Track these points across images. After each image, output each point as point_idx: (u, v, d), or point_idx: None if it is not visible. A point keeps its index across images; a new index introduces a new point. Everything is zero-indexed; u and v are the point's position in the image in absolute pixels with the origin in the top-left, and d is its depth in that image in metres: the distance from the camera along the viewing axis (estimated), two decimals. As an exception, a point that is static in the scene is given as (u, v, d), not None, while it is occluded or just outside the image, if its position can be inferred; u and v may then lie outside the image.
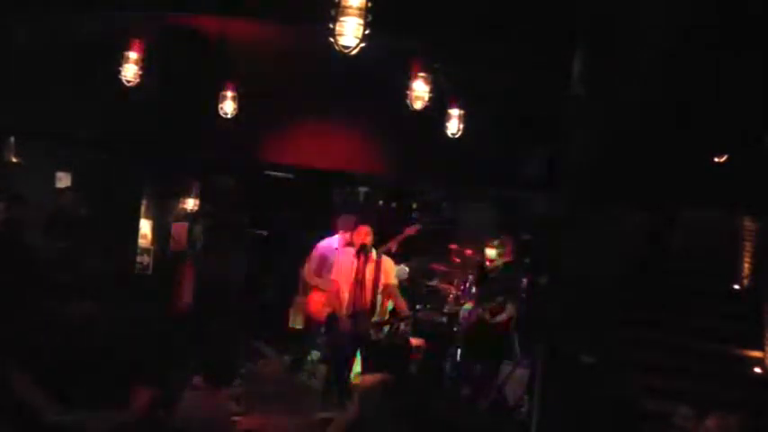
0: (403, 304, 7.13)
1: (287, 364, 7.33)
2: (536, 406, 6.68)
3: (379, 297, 6.90)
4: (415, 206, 10.28)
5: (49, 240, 7.82)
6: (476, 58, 6.00)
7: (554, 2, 5.36)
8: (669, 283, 8.10)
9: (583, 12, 5.40)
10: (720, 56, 5.78)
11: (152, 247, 8.75)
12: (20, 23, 6.14)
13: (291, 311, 8.87)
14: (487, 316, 7.58)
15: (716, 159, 8.03)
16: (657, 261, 8.37)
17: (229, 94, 6.24)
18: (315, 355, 8.04)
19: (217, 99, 6.25)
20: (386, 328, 6.97)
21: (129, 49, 5.65)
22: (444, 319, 8.66)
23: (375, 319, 6.87)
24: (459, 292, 8.89)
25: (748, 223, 8.39)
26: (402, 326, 7.55)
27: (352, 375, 7.00)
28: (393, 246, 8.12)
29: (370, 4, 3.75)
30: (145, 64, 5.68)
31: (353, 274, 6.78)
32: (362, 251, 6.81)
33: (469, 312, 7.93)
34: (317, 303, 7.76)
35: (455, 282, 9.10)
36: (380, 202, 10.53)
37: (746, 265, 8.36)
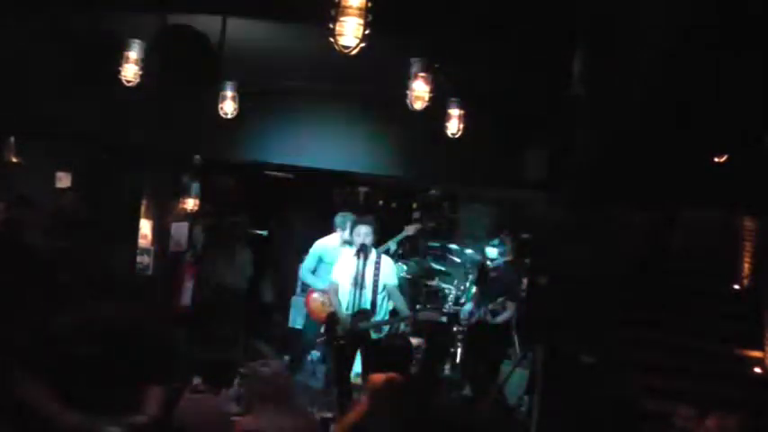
0: (403, 304, 7.13)
1: (287, 364, 7.34)
2: (536, 406, 6.69)
3: (379, 297, 6.90)
4: (415, 206, 10.28)
5: (49, 240, 7.82)
6: (476, 58, 5.99)
7: (554, 2, 5.35)
8: (669, 283, 8.10)
9: (583, 12, 5.39)
10: (720, 56, 5.78)
11: (152, 247, 8.74)
12: (20, 23, 6.13)
13: (291, 311, 8.89)
14: (489, 318, 7.58)
15: (716, 159, 8.03)
16: (657, 261, 8.38)
17: (229, 94, 6.24)
18: (315, 355, 8.05)
19: (217, 99, 6.24)
20: (386, 328, 6.97)
21: (129, 49, 5.64)
22: (444, 319, 8.67)
23: (375, 318, 6.87)
24: (459, 292, 8.90)
25: (748, 223, 8.39)
26: (402, 326, 7.56)
27: (352, 375, 7.00)
28: (392, 245, 8.15)
29: (370, 4, 3.74)
30: (145, 64, 5.67)
31: (353, 274, 6.79)
32: (362, 251, 6.81)
33: (470, 313, 7.94)
34: (315, 302, 7.77)
35: (455, 282, 9.12)
36: (380, 202, 10.54)
37: (746, 265, 8.36)
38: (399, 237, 8.41)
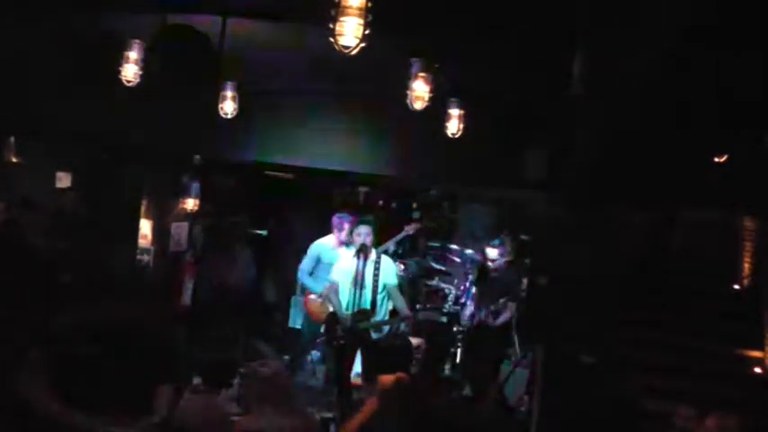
0: (403, 304, 7.13)
1: (287, 364, 7.34)
2: (536, 406, 6.69)
3: (379, 297, 6.90)
4: (415, 206, 10.28)
5: (49, 240, 7.83)
6: (476, 58, 6.00)
7: (554, 2, 5.35)
8: (669, 283, 8.10)
9: (583, 12, 5.39)
10: (720, 56, 5.78)
11: (152, 247, 8.75)
12: (20, 23, 6.13)
13: (291, 311, 8.89)
14: (490, 320, 7.57)
15: (716, 159, 8.04)
16: (657, 261, 8.38)
17: (229, 94, 6.24)
18: (315, 355, 8.05)
19: (217, 99, 6.24)
20: (386, 328, 6.97)
21: (129, 49, 5.64)
22: (444, 319, 8.67)
23: (375, 318, 6.88)
24: (459, 292, 8.90)
25: (748, 223, 8.39)
26: (402, 326, 7.56)
27: (352, 375, 7.00)
28: (392, 245, 8.15)
29: (370, 4, 3.74)
30: (145, 64, 5.67)
31: (353, 274, 6.79)
32: (362, 251, 6.81)
33: (471, 315, 7.92)
34: (314, 303, 7.77)
35: (455, 282, 9.12)
36: (380, 202, 10.54)
37: (746, 265, 8.36)
38: (399, 237, 8.41)
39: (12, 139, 8.19)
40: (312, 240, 7.98)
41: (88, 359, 2.19)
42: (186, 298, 8.95)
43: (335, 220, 7.78)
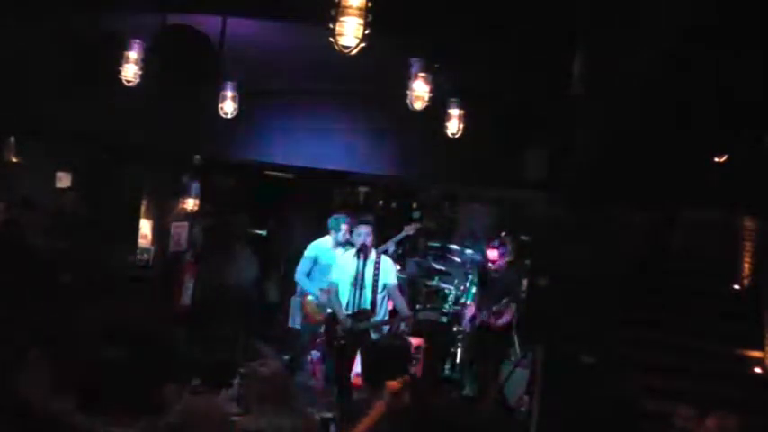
0: (403, 304, 7.13)
1: (287, 364, 7.33)
2: (536, 406, 6.69)
3: (379, 297, 6.90)
4: (415, 206, 10.28)
5: (49, 240, 7.83)
6: (476, 58, 6.00)
7: (554, 2, 5.35)
8: (669, 283, 8.10)
9: (583, 12, 5.39)
10: (720, 56, 5.78)
11: (152, 247, 8.75)
12: (20, 23, 6.13)
13: (291, 311, 8.88)
14: (492, 321, 7.56)
15: (716, 159, 8.04)
16: (657, 261, 8.37)
17: (229, 94, 6.23)
18: (315, 355, 8.04)
19: (217, 99, 6.24)
20: (386, 328, 6.97)
21: (129, 49, 5.64)
22: (444, 319, 8.67)
23: (375, 318, 6.87)
24: (459, 292, 8.89)
25: (748, 223, 8.38)
26: (402, 326, 7.55)
27: (352, 375, 7.00)
28: (392, 245, 8.14)
29: (370, 4, 3.74)
30: (145, 64, 5.67)
31: (353, 275, 6.78)
32: (362, 251, 6.81)
33: (472, 316, 7.91)
34: (310, 305, 7.77)
35: (455, 282, 9.11)
36: (380, 202, 10.54)
37: (746, 265, 8.35)
38: (399, 237, 8.40)
39: (12, 139, 8.19)
40: (311, 240, 7.98)
41: (103, 361, 2.19)
42: (186, 298, 8.95)
43: (332, 221, 7.77)
